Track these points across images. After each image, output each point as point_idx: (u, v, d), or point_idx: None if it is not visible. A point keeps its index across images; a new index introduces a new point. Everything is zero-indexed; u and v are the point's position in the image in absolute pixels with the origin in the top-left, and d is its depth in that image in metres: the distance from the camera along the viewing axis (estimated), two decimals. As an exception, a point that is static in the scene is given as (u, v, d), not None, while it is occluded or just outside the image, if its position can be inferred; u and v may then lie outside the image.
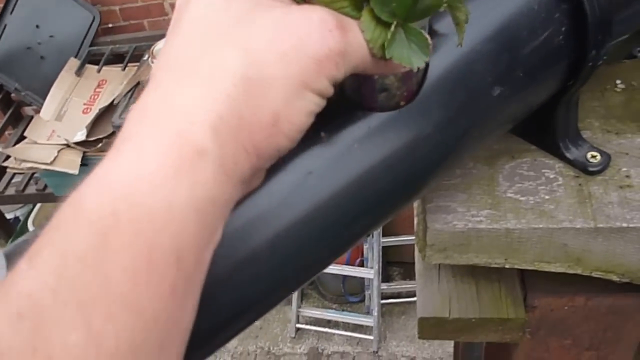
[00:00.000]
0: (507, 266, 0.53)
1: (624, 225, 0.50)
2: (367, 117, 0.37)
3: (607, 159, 0.55)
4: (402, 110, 0.38)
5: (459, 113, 0.41)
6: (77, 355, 0.23)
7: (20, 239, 0.37)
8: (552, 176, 0.55)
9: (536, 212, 0.52)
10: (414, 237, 0.56)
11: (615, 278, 0.54)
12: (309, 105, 0.31)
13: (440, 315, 0.57)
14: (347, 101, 0.38)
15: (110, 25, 2.72)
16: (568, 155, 0.56)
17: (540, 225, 0.51)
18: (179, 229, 0.26)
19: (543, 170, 0.56)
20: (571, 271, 0.53)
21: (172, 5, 2.73)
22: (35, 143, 2.26)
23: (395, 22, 0.31)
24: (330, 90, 0.32)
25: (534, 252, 0.52)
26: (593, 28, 0.47)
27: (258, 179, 0.34)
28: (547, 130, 0.56)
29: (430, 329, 0.58)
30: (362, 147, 0.37)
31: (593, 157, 0.55)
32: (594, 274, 0.54)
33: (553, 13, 0.47)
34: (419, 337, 0.60)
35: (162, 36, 2.26)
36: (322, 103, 0.32)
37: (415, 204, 0.56)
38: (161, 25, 2.78)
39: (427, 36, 0.32)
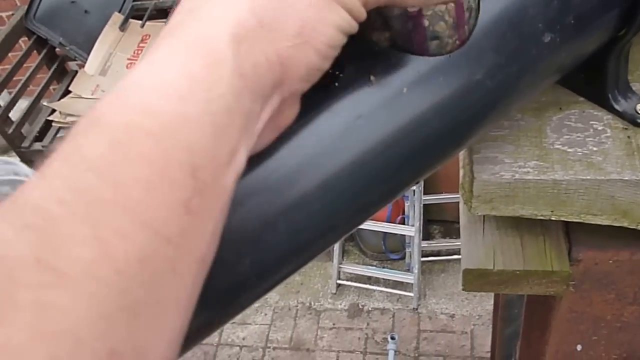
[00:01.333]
0: (553, 218, 0.53)
1: (672, 177, 0.50)
2: (416, 62, 0.37)
3: (655, 111, 0.54)
4: (452, 55, 0.38)
5: (510, 59, 0.41)
6: (83, 269, 0.22)
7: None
8: (600, 128, 0.54)
9: (584, 163, 0.51)
10: (455, 195, 0.56)
11: (661, 232, 0.53)
12: (338, 20, 0.29)
13: (485, 267, 0.58)
14: (397, 49, 0.38)
15: (153, -20, 2.73)
16: (617, 107, 0.55)
17: (588, 177, 0.50)
18: (194, 141, 0.25)
19: (591, 122, 0.55)
20: (617, 224, 0.53)
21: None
22: (80, 97, 2.31)
23: None
24: (361, 12, 0.31)
25: (581, 204, 0.52)
26: None
27: (291, 108, 0.33)
28: (596, 81, 0.55)
29: (474, 280, 0.59)
30: (411, 91, 0.37)
31: (643, 108, 0.54)
32: (640, 228, 0.53)
33: None
34: (463, 289, 0.61)
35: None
36: (352, 23, 0.31)
37: (461, 156, 0.56)
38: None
39: None
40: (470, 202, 0.53)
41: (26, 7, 2.50)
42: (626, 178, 0.50)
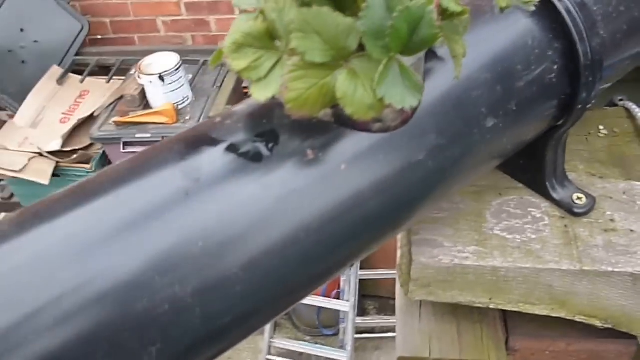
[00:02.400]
0: (491, 306, 0.52)
1: (610, 269, 0.49)
2: (357, 138, 0.36)
3: (592, 201, 0.55)
4: (394, 133, 0.36)
5: (452, 141, 0.40)
6: None
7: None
8: (538, 215, 0.54)
9: (523, 251, 0.50)
10: (391, 271, 0.54)
11: (597, 323, 0.53)
12: None
13: (421, 355, 0.55)
14: (340, 123, 0.36)
15: (99, 37, 2.70)
16: (554, 195, 0.55)
17: (527, 265, 0.49)
18: None
19: (529, 209, 0.55)
20: (555, 314, 0.52)
21: (164, 23, 2.73)
22: (6, 149, 2.20)
23: (388, 58, 0.29)
24: None
25: (519, 292, 0.51)
26: (585, 69, 0.47)
27: None
28: (535, 169, 0.55)
29: (410, 367, 0.56)
30: (350, 168, 0.35)
31: (579, 198, 0.55)
32: (577, 318, 0.53)
33: (546, 50, 0.47)
34: (399, 377, 0.58)
35: (151, 52, 2.26)
36: None
37: (400, 237, 0.54)
38: (151, 41, 2.77)
39: (420, 76, 0.30)
40: (407, 286, 0.51)
41: (-41, 52, 2.42)
42: (564, 268, 0.49)
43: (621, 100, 0.77)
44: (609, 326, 0.53)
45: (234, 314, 0.32)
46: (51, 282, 0.28)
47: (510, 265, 0.49)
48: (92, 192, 0.31)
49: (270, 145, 0.34)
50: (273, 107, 0.35)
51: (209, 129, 0.35)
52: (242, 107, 0.37)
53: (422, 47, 0.30)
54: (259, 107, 0.36)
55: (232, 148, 0.33)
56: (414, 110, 0.37)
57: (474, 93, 0.41)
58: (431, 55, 0.38)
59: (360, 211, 0.36)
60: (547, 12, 0.47)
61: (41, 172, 2.06)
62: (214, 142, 0.34)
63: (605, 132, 0.71)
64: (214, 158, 0.33)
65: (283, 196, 0.33)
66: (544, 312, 0.52)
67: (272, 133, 0.34)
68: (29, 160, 2.10)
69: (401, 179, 0.38)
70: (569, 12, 0.47)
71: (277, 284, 0.34)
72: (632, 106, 0.75)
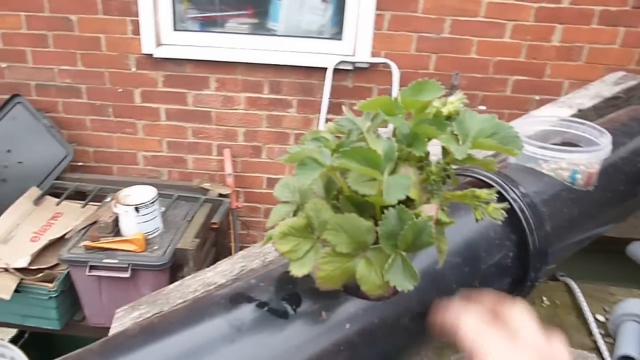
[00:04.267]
0: None
1: None
2: (359, 303, 0.46)
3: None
4: (387, 301, 0.47)
5: (429, 309, 0.51)
6: None
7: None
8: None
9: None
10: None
11: None
12: None
13: None
14: (347, 292, 0.46)
15: (80, 164, 2.81)
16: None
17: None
18: None
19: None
20: None
21: (145, 157, 2.86)
22: (-26, 264, 2.19)
23: (395, 253, 0.40)
24: None
25: None
26: (533, 256, 0.60)
27: None
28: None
29: None
30: (352, 326, 0.45)
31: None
32: None
33: (504, 240, 0.59)
34: None
35: (129, 183, 2.35)
36: None
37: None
38: (129, 172, 2.89)
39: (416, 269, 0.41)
40: None
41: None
42: None
43: (562, 276, 0.90)
44: None
45: None
46: None
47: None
48: (161, 332, 0.40)
49: (294, 306, 0.44)
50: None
51: (248, 289, 0.45)
52: (270, 273, 0.48)
53: (421, 248, 0.41)
54: (284, 274, 0.46)
55: (265, 306, 0.43)
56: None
57: (447, 272, 0.53)
58: None
59: (354, 357, 0.45)
60: (506, 210, 0.60)
61: (4, 288, 2.06)
62: (251, 300, 0.44)
63: (547, 302, 0.83)
64: (251, 312, 0.43)
65: (300, 345, 0.43)
66: None
67: (296, 296, 0.44)
68: (-6, 275, 2.09)
69: (388, 336, 0.48)
70: (522, 210, 0.60)
71: None
72: (571, 282, 0.88)
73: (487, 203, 0.44)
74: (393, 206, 0.40)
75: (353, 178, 0.41)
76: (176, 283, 0.91)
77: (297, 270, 0.41)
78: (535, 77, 2.58)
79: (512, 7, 2.43)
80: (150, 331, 0.41)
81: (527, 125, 0.76)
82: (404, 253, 0.40)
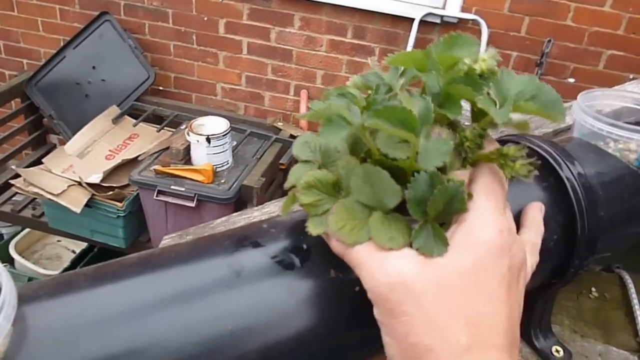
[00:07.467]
0: None
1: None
2: None
3: (568, 356, 0.60)
4: None
5: None
6: None
7: (34, 281, 0.40)
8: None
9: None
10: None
11: None
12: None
13: None
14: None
15: (160, 88, 2.89)
16: (536, 343, 0.61)
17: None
18: None
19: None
20: None
21: (223, 89, 2.90)
22: (50, 172, 2.33)
23: (424, 220, 0.37)
24: None
25: None
26: (580, 243, 0.54)
27: None
28: (523, 316, 0.61)
29: None
30: (361, 289, 0.43)
31: (557, 351, 0.60)
32: None
33: (550, 221, 0.54)
34: None
35: (205, 113, 2.39)
36: None
37: None
38: (207, 102, 2.94)
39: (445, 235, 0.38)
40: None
41: (32, 73, 2.60)
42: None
43: (617, 267, 0.84)
44: None
45: None
46: (109, 337, 0.35)
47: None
48: (157, 265, 0.40)
49: (302, 258, 0.42)
50: None
51: (257, 233, 0.43)
52: (285, 219, 0.46)
53: (452, 215, 0.38)
54: (298, 223, 0.44)
55: (271, 253, 0.42)
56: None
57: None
58: None
59: (363, 324, 0.43)
60: (557, 188, 0.54)
61: (76, 200, 2.16)
62: (257, 245, 0.42)
63: (596, 294, 0.77)
64: (255, 258, 0.41)
65: (302, 302, 0.40)
66: None
67: (306, 249, 0.42)
68: (68, 187, 2.20)
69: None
70: (575, 191, 0.55)
71: None
72: (626, 276, 0.82)
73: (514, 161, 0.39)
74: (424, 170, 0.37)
75: (383, 140, 0.38)
76: (223, 218, 0.91)
77: (314, 229, 0.39)
78: (632, 54, 2.38)
79: (622, -29, 2.22)
80: (146, 263, 0.40)
81: (603, 98, 0.69)
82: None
